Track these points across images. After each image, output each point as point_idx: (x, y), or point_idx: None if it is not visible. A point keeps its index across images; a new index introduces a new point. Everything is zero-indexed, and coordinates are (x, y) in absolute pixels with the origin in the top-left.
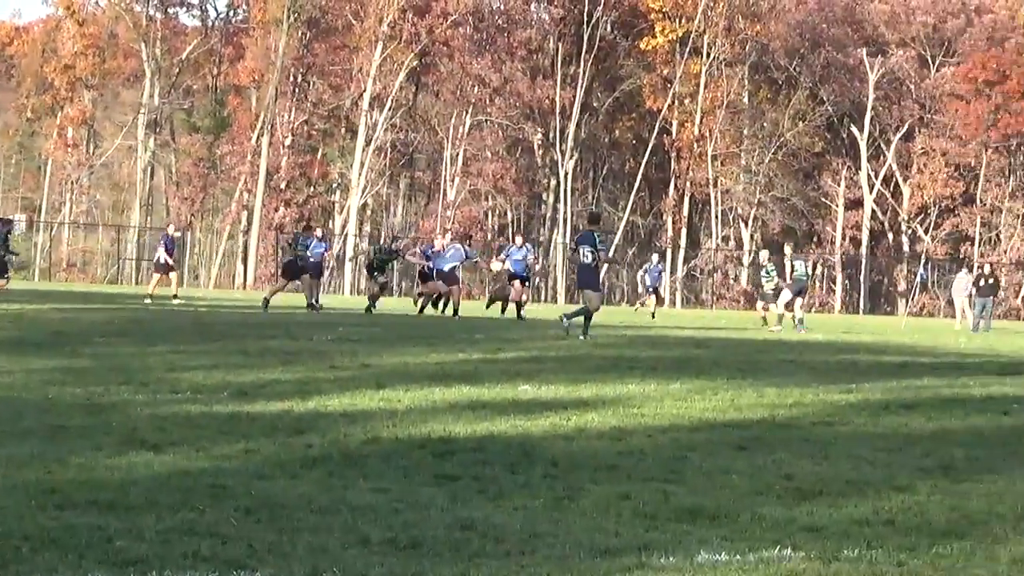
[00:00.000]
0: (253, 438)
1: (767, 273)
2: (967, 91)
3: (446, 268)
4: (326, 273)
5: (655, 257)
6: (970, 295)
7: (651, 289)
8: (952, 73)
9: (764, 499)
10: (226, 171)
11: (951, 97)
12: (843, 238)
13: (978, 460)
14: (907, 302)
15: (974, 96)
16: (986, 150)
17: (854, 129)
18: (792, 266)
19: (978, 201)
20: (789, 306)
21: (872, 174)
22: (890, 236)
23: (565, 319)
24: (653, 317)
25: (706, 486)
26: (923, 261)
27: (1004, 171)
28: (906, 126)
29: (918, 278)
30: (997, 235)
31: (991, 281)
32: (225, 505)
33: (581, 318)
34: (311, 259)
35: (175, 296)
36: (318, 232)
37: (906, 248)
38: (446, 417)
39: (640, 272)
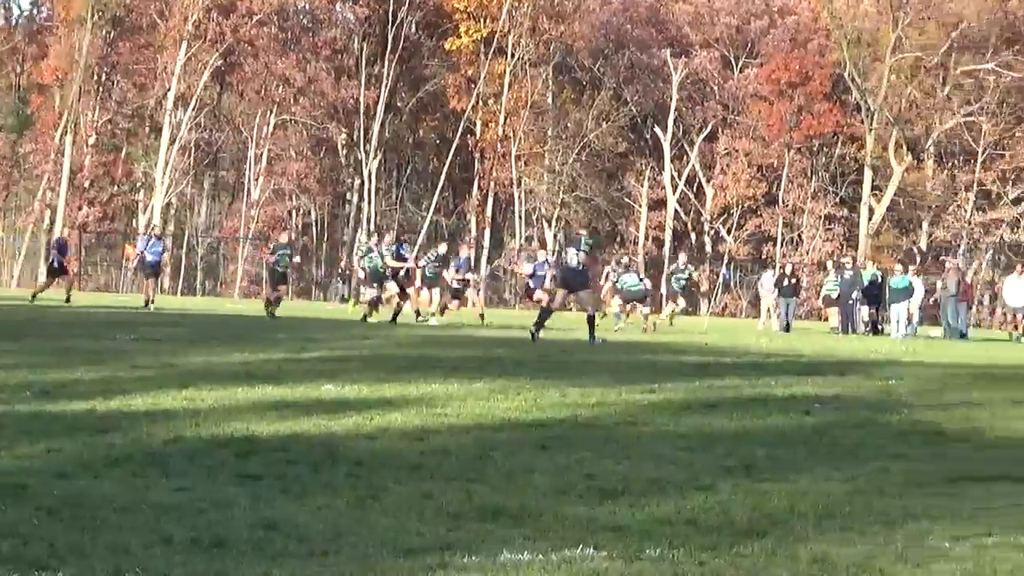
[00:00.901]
0: (55, 437)
1: (680, 272)
2: (770, 92)
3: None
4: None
5: (682, 257)
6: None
7: (676, 293)
8: (755, 74)
9: (567, 498)
10: (29, 170)
11: (754, 98)
12: (646, 238)
13: (780, 459)
14: (710, 302)
15: (777, 97)
16: (788, 151)
17: (657, 130)
18: (619, 279)
19: (780, 202)
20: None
21: (675, 174)
22: (693, 236)
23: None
24: (671, 324)
25: (509, 485)
26: (726, 261)
27: (806, 172)
28: (709, 127)
29: (721, 278)
30: (799, 236)
31: (793, 281)
32: (26, 505)
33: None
34: (149, 258)
35: (62, 298)
36: (156, 231)
37: (709, 248)
38: (250, 416)
39: (669, 274)
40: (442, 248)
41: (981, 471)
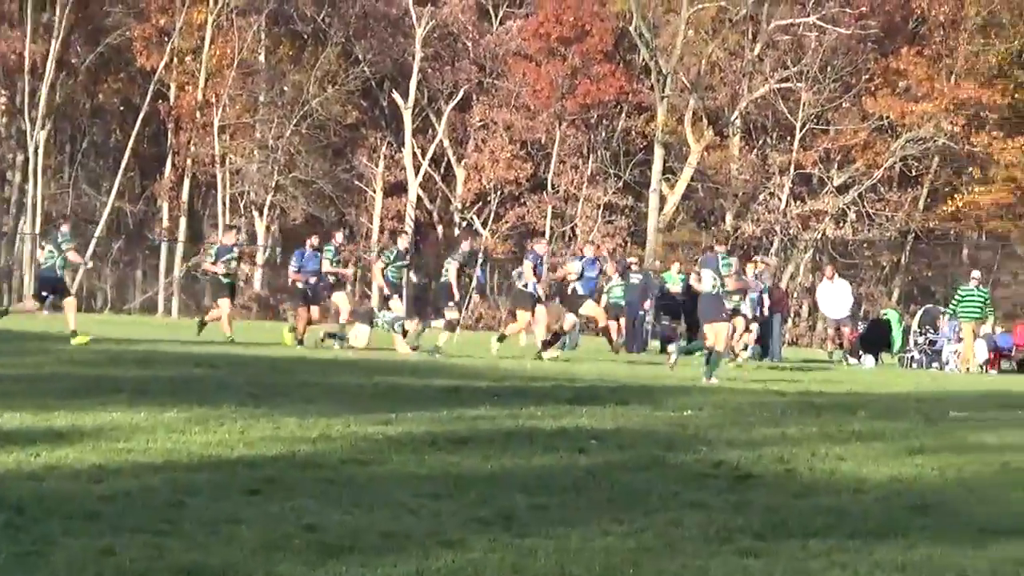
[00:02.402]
0: None
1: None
2: (537, 50)
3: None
4: None
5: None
6: None
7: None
8: (519, 28)
9: (281, 556)
10: None
11: (517, 57)
12: (381, 231)
13: (547, 509)
14: (460, 311)
15: (546, 57)
16: (560, 124)
17: (396, 96)
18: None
19: (549, 187)
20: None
21: (418, 152)
22: (440, 229)
23: (706, 376)
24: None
25: (209, 539)
26: (480, 260)
27: (582, 150)
28: (461, 93)
29: (475, 281)
30: (572, 229)
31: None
32: None
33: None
34: None
35: None
36: None
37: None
38: None
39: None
40: (402, 243)
41: (798, 523)
